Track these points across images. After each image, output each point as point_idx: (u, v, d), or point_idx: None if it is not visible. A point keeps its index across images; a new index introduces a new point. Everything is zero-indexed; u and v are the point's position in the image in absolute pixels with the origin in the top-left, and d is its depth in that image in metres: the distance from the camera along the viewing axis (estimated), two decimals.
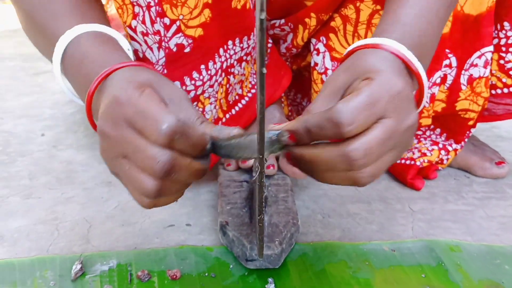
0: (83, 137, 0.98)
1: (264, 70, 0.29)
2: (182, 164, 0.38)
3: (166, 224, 0.66)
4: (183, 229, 0.65)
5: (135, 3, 0.56)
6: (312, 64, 0.75)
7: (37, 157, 0.90)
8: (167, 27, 0.58)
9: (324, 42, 0.73)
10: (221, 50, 0.64)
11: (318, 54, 0.74)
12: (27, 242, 0.63)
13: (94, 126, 0.45)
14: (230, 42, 0.65)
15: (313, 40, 0.75)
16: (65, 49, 0.49)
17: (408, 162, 0.78)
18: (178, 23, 0.58)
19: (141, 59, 0.60)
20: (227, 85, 0.68)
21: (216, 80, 0.65)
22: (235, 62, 0.67)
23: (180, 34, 0.59)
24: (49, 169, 0.84)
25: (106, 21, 0.55)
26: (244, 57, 0.69)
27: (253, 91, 0.75)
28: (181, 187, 0.42)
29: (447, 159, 0.80)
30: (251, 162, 0.71)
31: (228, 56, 0.65)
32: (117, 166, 0.40)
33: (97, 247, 0.62)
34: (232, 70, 0.68)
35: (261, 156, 0.34)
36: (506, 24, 0.71)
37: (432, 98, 0.73)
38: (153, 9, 0.56)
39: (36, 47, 0.59)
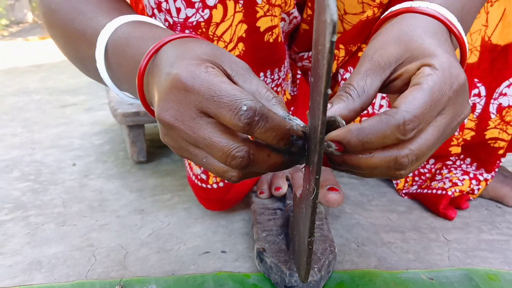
0: (113, 167, 1.00)
1: (329, 91, 0.30)
2: (260, 157, 0.36)
3: (202, 251, 0.66)
4: (218, 256, 0.65)
5: None
6: None
7: (69, 185, 0.91)
8: None
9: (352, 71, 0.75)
10: None
11: None
12: (64, 268, 0.64)
13: (149, 110, 0.44)
14: (261, 74, 0.66)
15: (341, 70, 0.77)
16: (108, 40, 0.48)
17: (439, 192, 0.78)
18: None
19: None
20: None
21: None
22: None
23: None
24: (81, 198, 0.86)
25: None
26: (275, 88, 0.70)
27: None
28: (262, 171, 0.39)
29: (478, 189, 0.80)
30: (284, 190, 0.72)
31: None
32: (189, 155, 0.38)
33: (134, 273, 0.62)
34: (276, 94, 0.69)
35: (317, 177, 0.34)
36: None
37: (462, 126, 0.74)
38: None
39: (75, 58, 0.58)
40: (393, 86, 0.40)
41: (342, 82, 0.76)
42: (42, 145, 1.14)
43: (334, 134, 0.36)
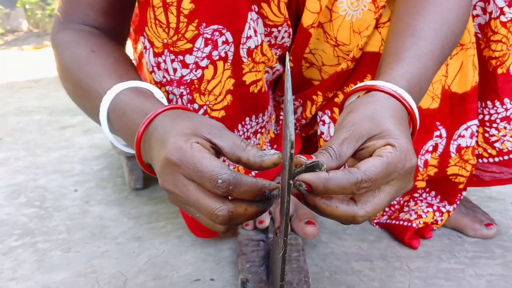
0: (112, 193, 1.08)
1: (291, 182, 0.39)
2: (239, 212, 0.45)
3: (192, 279, 0.75)
4: (208, 283, 0.74)
5: (170, 92, 0.68)
6: (319, 133, 0.86)
7: (72, 212, 1.00)
8: (196, 111, 0.69)
9: (329, 114, 0.84)
10: (239, 126, 0.75)
11: (324, 124, 0.85)
12: None
13: (146, 168, 0.54)
14: (247, 119, 0.76)
15: (320, 113, 0.86)
16: (108, 107, 0.58)
17: (406, 223, 0.87)
18: (205, 107, 0.69)
19: None
20: None
21: None
22: (252, 135, 0.78)
23: (206, 116, 0.69)
24: (84, 224, 0.94)
25: (139, 79, 0.64)
26: (259, 130, 0.79)
27: None
28: (244, 221, 0.48)
29: (441, 220, 0.89)
30: (267, 223, 0.81)
31: (245, 130, 0.76)
32: (186, 210, 0.48)
33: None
34: (249, 141, 0.78)
35: (285, 238, 0.43)
36: (489, 103, 0.82)
37: (426, 164, 0.84)
38: (185, 97, 0.67)
39: (83, 110, 0.68)
40: (360, 154, 0.50)
41: (321, 123, 0.85)
42: (45, 170, 1.23)
43: (306, 176, 0.45)
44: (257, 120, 0.77)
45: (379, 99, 0.53)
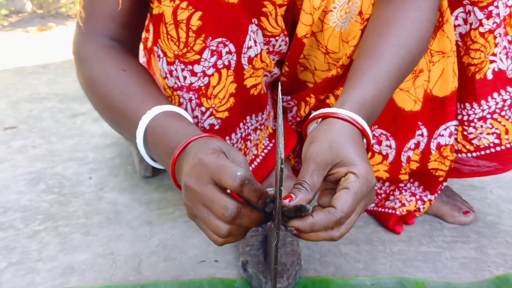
0: (123, 180, 1.18)
1: (282, 188, 0.48)
2: (245, 212, 0.52)
3: (199, 260, 0.85)
4: (212, 264, 0.84)
5: (180, 96, 0.76)
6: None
7: (88, 198, 1.09)
8: (203, 113, 0.77)
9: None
10: (241, 124, 0.84)
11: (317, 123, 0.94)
12: (92, 273, 0.82)
13: (177, 184, 0.62)
14: (248, 118, 0.84)
15: (313, 112, 0.95)
16: (147, 126, 0.65)
17: (390, 211, 0.97)
18: (211, 109, 0.77)
19: None
20: (245, 149, 0.88)
21: (237, 147, 0.85)
22: (251, 131, 0.87)
23: (212, 117, 0.78)
24: (100, 210, 1.04)
25: (169, 101, 0.72)
26: (259, 127, 0.88)
27: (266, 151, 0.94)
28: (244, 230, 0.55)
29: (423, 208, 0.99)
30: None
31: (246, 127, 0.85)
32: (197, 212, 0.54)
33: (147, 277, 0.81)
34: (249, 137, 0.87)
35: (278, 231, 0.53)
36: (467, 105, 0.90)
37: (408, 159, 0.93)
38: (193, 101, 0.76)
39: (113, 125, 0.75)
40: (328, 180, 0.59)
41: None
42: (60, 157, 1.32)
43: (296, 223, 0.54)
44: (256, 118, 0.86)
45: (334, 126, 0.61)
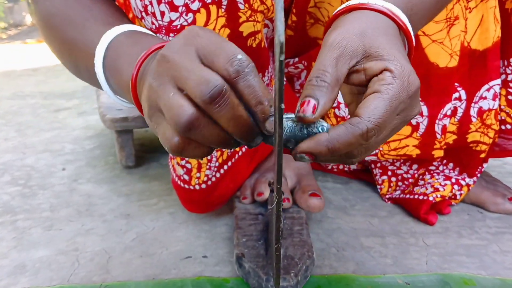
0: (103, 171, 1.01)
1: (283, 106, 0.31)
2: (231, 98, 0.35)
3: (183, 256, 0.68)
4: (199, 260, 0.66)
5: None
6: None
7: (58, 190, 0.92)
8: None
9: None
10: None
11: None
12: (48, 272, 0.65)
13: (139, 108, 0.45)
14: None
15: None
16: (105, 50, 0.50)
17: (421, 197, 0.79)
18: None
19: None
20: None
21: None
22: None
23: None
24: (70, 202, 0.87)
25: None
26: None
27: None
28: (213, 135, 0.37)
29: (460, 194, 0.81)
30: (266, 195, 0.73)
31: None
32: (163, 91, 0.37)
33: (116, 277, 0.63)
34: None
35: (278, 186, 0.35)
36: None
37: (444, 130, 0.75)
38: None
39: (69, 63, 0.60)
40: (353, 77, 0.42)
41: None
42: (34, 149, 1.16)
43: (305, 146, 0.37)
44: None
45: (367, 16, 0.44)
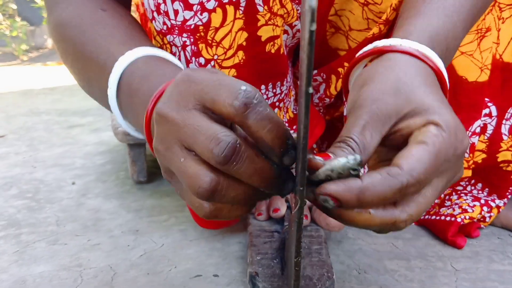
0: (113, 186, 0.98)
1: (311, 90, 0.27)
2: (248, 152, 0.32)
3: (193, 274, 0.63)
4: (210, 280, 0.62)
5: (171, 43, 0.57)
6: (345, 114, 0.74)
7: (66, 204, 0.89)
8: (202, 67, 0.58)
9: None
10: None
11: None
12: None
13: (151, 144, 0.40)
14: (263, 87, 0.64)
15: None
16: (123, 70, 0.47)
17: (448, 218, 0.74)
18: (212, 63, 0.58)
19: None
20: None
21: None
22: None
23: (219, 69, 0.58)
24: (77, 217, 0.83)
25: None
26: (277, 104, 0.68)
27: None
28: (240, 193, 0.34)
29: (490, 216, 0.75)
30: (283, 211, 0.68)
31: None
32: (171, 156, 0.34)
33: None
34: None
35: (301, 188, 0.31)
36: None
37: (472, 148, 0.70)
38: (188, 48, 0.56)
39: (81, 79, 0.57)
40: (391, 140, 0.38)
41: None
42: (44, 163, 1.13)
43: (333, 189, 0.32)
44: (274, 91, 0.66)
45: (399, 63, 0.40)
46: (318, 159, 0.33)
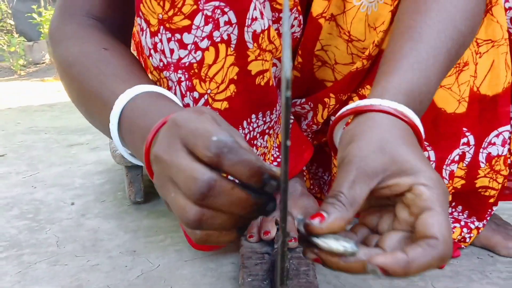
0: (111, 206, 1.01)
1: (289, 143, 0.31)
2: (223, 187, 0.35)
3: None
4: None
5: (168, 78, 0.61)
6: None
7: (66, 225, 0.92)
8: (195, 100, 0.62)
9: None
10: (244, 123, 0.67)
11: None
12: None
13: (151, 175, 0.44)
14: (253, 116, 0.68)
15: (333, 118, 0.78)
16: (123, 107, 0.50)
17: None
18: (206, 96, 0.62)
19: None
20: None
21: None
22: (258, 135, 0.71)
23: (208, 107, 0.62)
24: (76, 237, 0.87)
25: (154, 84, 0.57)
26: (267, 131, 0.72)
27: (275, 163, 0.77)
28: (225, 221, 0.37)
29: (470, 237, 0.80)
30: (273, 234, 0.72)
31: (251, 128, 0.69)
32: (166, 191, 0.38)
33: None
34: (255, 142, 0.71)
35: (283, 225, 0.35)
36: None
37: (451, 175, 0.75)
38: (183, 83, 0.61)
39: (88, 112, 0.60)
40: (379, 193, 0.41)
41: None
42: (44, 183, 1.17)
43: (381, 261, 0.36)
44: (264, 119, 0.70)
45: (381, 122, 0.44)
46: (315, 223, 0.37)
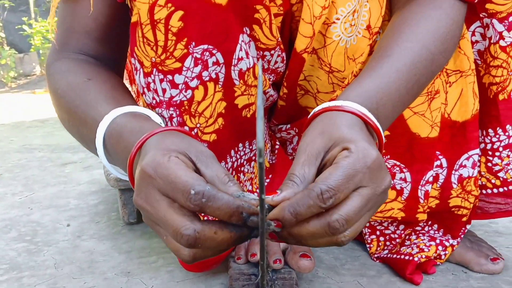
0: (105, 227, 1.06)
1: (264, 196, 0.36)
2: (207, 234, 0.41)
3: None
4: None
5: (160, 114, 0.66)
6: None
7: (62, 246, 0.97)
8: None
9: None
10: (232, 152, 0.72)
11: None
12: None
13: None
14: (240, 145, 0.73)
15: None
16: (105, 131, 0.56)
17: (407, 257, 0.83)
18: (195, 130, 0.67)
19: None
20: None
21: None
22: (245, 162, 0.76)
23: (201, 143, 0.67)
24: (73, 259, 0.91)
25: (136, 104, 0.63)
26: (253, 158, 0.77)
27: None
28: (216, 252, 0.44)
29: (445, 254, 0.85)
30: (259, 256, 0.77)
31: (238, 156, 0.74)
32: (158, 233, 0.44)
33: None
34: (242, 169, 0.76)
35: (262, 263, 0.40)
36: (490, 131, 0.79)
37: (426, 195, 0.80)
38: (174, 119, 0.65)
39: (80, 139, 0.66)
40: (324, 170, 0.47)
41: None
42: (40, 204, 1.21)
43: (271, 214, 0.43)
44: (250, 147, 0.75)
45: (330, 115, 0.51)
46: (270, 198, 0.44)
